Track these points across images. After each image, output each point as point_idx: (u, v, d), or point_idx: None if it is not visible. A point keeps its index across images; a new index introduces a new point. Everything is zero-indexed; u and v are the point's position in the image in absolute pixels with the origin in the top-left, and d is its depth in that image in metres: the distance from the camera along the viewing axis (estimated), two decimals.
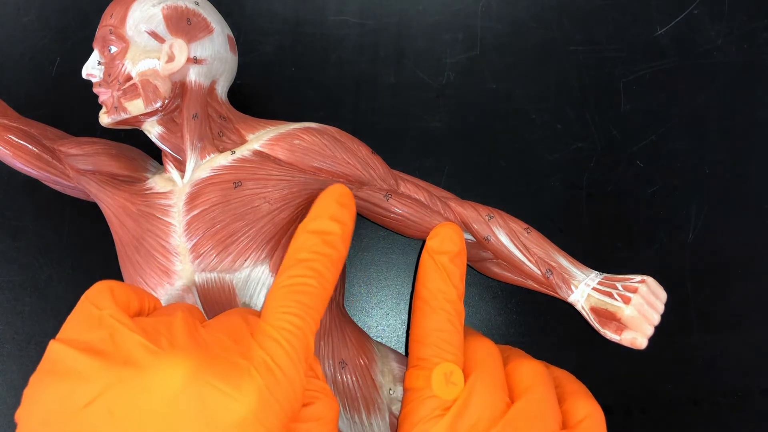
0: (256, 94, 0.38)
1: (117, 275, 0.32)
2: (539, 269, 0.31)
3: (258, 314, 0.25)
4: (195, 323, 0.23)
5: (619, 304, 0.29)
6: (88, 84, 0.31)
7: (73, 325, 0.23)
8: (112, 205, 0.31)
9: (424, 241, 0.30)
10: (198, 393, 0.20)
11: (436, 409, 0.25)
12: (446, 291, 0.28)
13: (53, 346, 0.22)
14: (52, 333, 0.36)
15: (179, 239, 0.29)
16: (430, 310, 0.28)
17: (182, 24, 0.30)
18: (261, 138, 0.30)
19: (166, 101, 0.29)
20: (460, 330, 0.28)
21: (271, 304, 0.24)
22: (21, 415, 0.21)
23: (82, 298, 0.24)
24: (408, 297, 0.37)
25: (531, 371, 0.27)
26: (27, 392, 0.21)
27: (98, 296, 0.23)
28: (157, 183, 0.31)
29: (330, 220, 0.27)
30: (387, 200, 0.31)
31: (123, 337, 0.22)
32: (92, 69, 0.31)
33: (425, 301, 0.28)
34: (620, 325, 0.29)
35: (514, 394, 0.26)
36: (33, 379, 0.21)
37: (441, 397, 0.25)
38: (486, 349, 0.28)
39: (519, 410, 0.25)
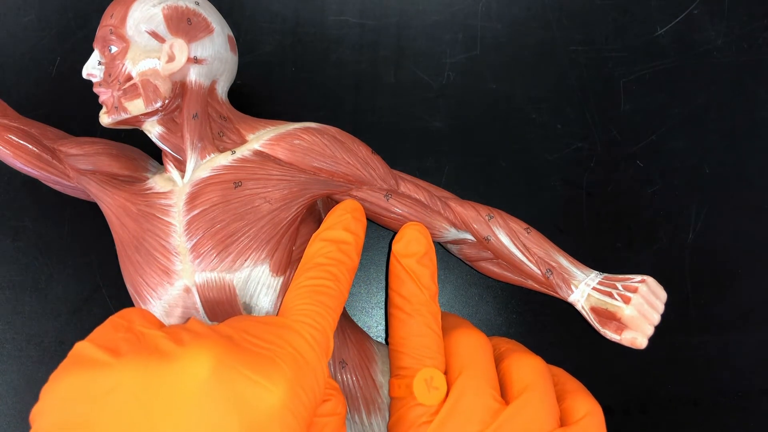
0: (256, 94, 0.38)
1: (117, 275, 0.32)
2: (539, 269, 0.31)
3: (266, 318, 0.25)
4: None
5: (619, 303, 0.29)
6: (88, 84, 0.31)
7: (98, 330, 0.23)
8: (112, 205, 0.31)
9: (390, 245, 0.30)
10: (228, 380, 0.20)
11: (422, 416, 0.25)
12: (418, 294, 0.28)
13: (77, 345, 0.21)
14: (52, 333, 0.37)
15: (179, 239, 0.29)
16: (406, 315, 0.27)
17: (182, 24, 0.30)
18: (261, 138, 0.30)
19: (167, 101, 0.29)
20: (437, 331, 0.27)
21: (291, 303, 0.25)
22: (38, 410, 0.20)
23: (110, 317, 0.24)
24: None
25: (529, 368, 0.26)
26: (46, 388, 0.21)
27: (127, 313, 0.24)
28: (157, 183, 0.31)
29: (344, 231, 0.27)
30: (387, 200, 0.31)
31: (147, 335, 0.22)
32: (92, 69, 0.31)
33: (399, 308, 0.28)
34: (620, 324, 0.29)
35: (510, 393, 0.26)
36: (53, 375, 0.21)
37: (425, 403, 0.25)
38: (474, 345, 0.27)
39: (514, 412, 0.24)
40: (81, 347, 0.21)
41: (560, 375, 0.29)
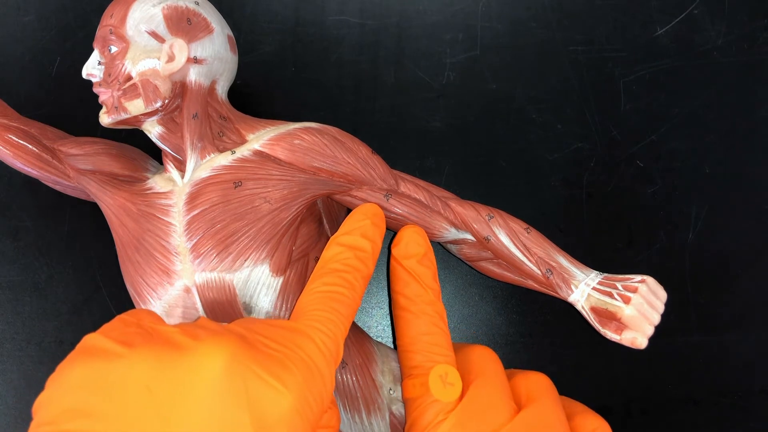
0: (256, 94, 0.38)
1: (117, 275, 0.32)
2: (539, 269, 0.31)
3: (277, 322, 0.25)
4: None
5: (620, 303, 0.29)
6: (88, 84, 0.31)
7: (108, 325, 0.22)
8: (112, 205, 0.31)
9: (389, 248, 0.30)
10: (242, 378, 0.20)
11: (439, 413, 0.25)
12: (422, 294, 0.28)
13: (87, 337, 0.21)
14: (52, 333, 0.37)
15: (179, 239, 0.29)
16: (412, 316, 0.28)
17: (182, 24, 0.30)
18: (261, 138, 0.30)
19: (166, 101, 0.29)
20: (445, 330, 0.28)
21: (305, 307, 0.25)
22: (43, 399, 0.20)
23: (117, 315, 0.23)
24: None
25: (538, 382, 0.27)
26: (53, 377, 0.20)
27: (135, 312, 0.23)
28: (157, 183, 0.31)
29: (362, 238, 0.27)
30: (387, 200, 0.31)
31: (160, 330, 0.21)
32: (92, 69, 0.31)
33: (404, 309, 0.28)
34: (620, 324, 0.29)
35: (521, 403, 0.26)
36: (62, 365, 0.20)
37: (442, 399, 0.25)
38: (488, 357, 0.28)
39: (527, 417, 0.25)
40: (92, 338, 0.21)
41: (565, 399, 0.29)
